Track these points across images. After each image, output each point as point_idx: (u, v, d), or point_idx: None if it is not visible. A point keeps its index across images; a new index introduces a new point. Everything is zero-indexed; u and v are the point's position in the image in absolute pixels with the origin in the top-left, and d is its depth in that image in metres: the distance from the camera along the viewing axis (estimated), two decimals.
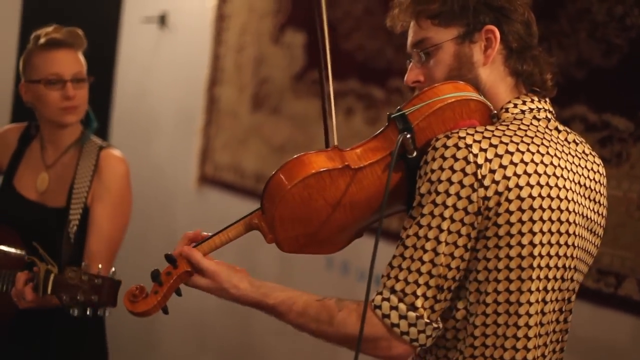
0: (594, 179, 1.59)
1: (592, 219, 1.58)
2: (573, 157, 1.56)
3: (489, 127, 1.49)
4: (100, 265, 2.11)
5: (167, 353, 4.21)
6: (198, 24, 4.03)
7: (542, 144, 1.51)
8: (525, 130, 1.52)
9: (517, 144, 1.47)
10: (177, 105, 4.21)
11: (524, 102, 1.58)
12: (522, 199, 1.44)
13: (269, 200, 1.55)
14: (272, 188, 1.54)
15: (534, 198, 1.45)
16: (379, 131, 1.55)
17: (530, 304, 1.48)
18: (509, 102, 1.58)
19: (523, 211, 1.45)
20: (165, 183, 4.25)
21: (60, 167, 2.59)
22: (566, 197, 1.49)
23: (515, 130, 1.50)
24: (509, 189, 1.44)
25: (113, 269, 2.08)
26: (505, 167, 1.44)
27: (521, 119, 1.55)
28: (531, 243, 1.46)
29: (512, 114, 1.56)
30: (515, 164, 1.45)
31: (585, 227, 1.56)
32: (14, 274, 2.27)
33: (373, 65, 3.08)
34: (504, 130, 1.49)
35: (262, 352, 3.67)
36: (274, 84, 3.48)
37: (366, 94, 3.10)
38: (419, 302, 1.45)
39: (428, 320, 1.46)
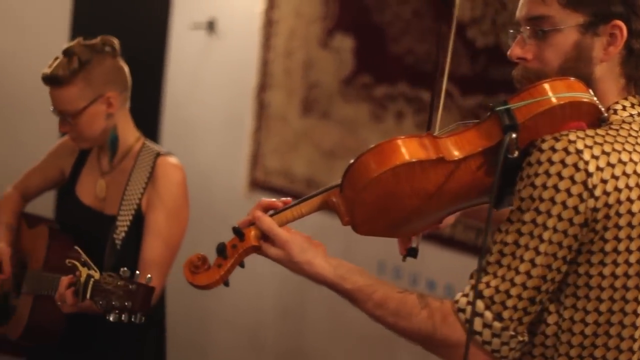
0: None
1: None
2: None
3: (599, 131, 1.39)
4: (149, 275, 2.09)
5: (220, 356, 4.22)
6: (246, 30, 4.04)
7: None
8: (636, 137, 1.41)
9: (630, 152, 1.38)
10: (226, 110, 4.22)
11: (633, 105, 1.47)
12: (633, 214, 1.35)
13: (352, 183, 1.47)
14: (357, 171, 1.46)
15: None
16: (477, 121, 1.45)
17: (636, 327, 1.39)
18: (617, 102, 1.47)
19: (633, 227, 1.35)
20: (214, 189, 4.26)
21: (117, 174, 2.59)
22: None
23: (626, 137, 1.40)
24: (619, 202, 1.34)
25: (149, 275, 2.06)
26: (617, 178, 1.35)
27: (630, 123, 1.44)
28: (639, 262, 1.37)
29: (621, 117, 1.46)
30: (628, 175, 1.36)
31: None
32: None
33: (423, 68, 3.06)
34: (615, 136, 1.39)
35: (316, 356, 3.66)
36: (323, 88, 3.48)
37: (416, 98, 3.08)
38: (506, 313, 1.36)
39: (514, 333, 1.37)
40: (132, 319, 2.01)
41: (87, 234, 2.57)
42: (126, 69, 2.57)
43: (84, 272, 2.13)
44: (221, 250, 1.55)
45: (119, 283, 2.03)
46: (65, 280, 2.20)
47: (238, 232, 1.56)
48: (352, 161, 1.46)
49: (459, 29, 2.93)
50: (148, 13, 4.77)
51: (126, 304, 2.00)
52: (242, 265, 1.58)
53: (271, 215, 1.57)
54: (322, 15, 3.51)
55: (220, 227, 4.12)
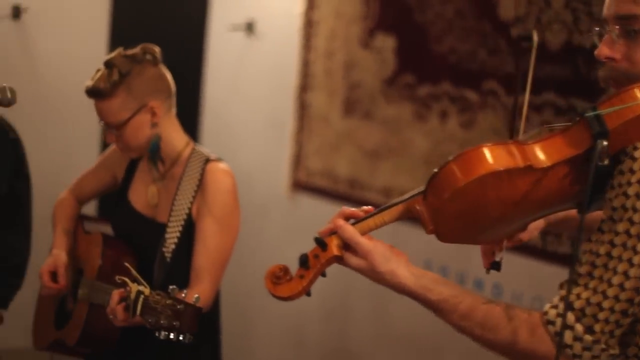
0: None
1: None
2: None
3: None
4: (196, 295, 2.06)
5: (265, 356, 4.23)
6: (285, 31, 4.05)
7: None
8: None
9: None
10: (267, 112, 4.23)
11: None
12: None
13: (437, 192, 1.44)
14: (443, 179, 1.42)
15: None
16: (564, 126, 1.41)
17: None
18: None
19: None
20: (256, 190, 4.27)
21: (168, 181, 2.59)
22: None
23: None
24: None
25: (196, 295, 2.05)
26: None
27: None
28: None
29: None
30: None
31: None
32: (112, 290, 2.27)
33: (466, 67, 3.04)
34: None
35: (360, 356, 3.66)
36: (365, 88, 3.47)
37: (460, 97, 3.07)
38: (598, 326, 1.33)
39: (605, 346, 1.34)
40: (181, 338, 2.01)
41: (140, 240, 2.58)
42: (168, 75, 2.56)
43: (133, 288, 2.12)
44: (304, 261, 1.53)
45: (167, 302, 2.02)
46: (116, 294, 2.20)
47: (320, 242, 1.53)
48: (436, 169, 1.44)
49: (503, 27, 2.91)
50: (186, 16, 4.79)
51: (174, 323, 2.00)
52: (323, 275, 1.56)
53: (353, 224, 1.53)
54: (362, 15, 3.50)
55: (262, 228, 4.16)
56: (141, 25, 4.95)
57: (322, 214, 3.69)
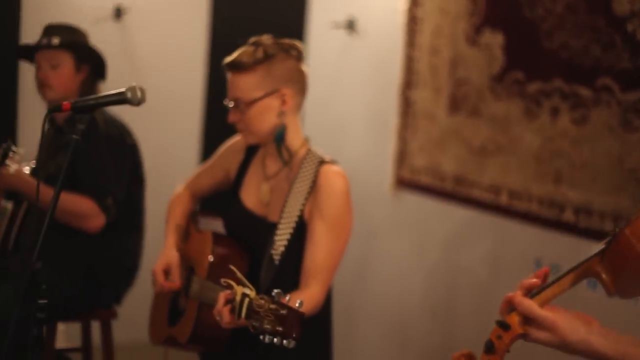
0: None
1: None
2: None
3: None
4: (300, 300, 2.02)
5: (367, 353, 4.25)
6: (388, 28, 4.04)
7: None
8: None
9: None
10: (368, 109, 4.24)
11: None
12: None
13: (620, 255, 1.45)
14: (626, 243, 1.44)
15: None
16: None
17: None
18: None
19: None
20: (358, 188, 4.27)
21: (280, 180, 2.60)
22: None
23: None
24: None
25: (300, 300, 2.01)
26: None
27: None
28: None
29: None
30: None
31: None
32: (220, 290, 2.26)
33: (579, 63, 3.00)
34: None
35: None
36: (472, 85, 3.45)
37: (572, 93, 3.03)
38: None
39: None
40: (284, 343, 1.98)
41: (251, 239, 2.60)
42: (307, 77, 2.60)
43: (239, 290, 2.11)
44: (489, 347, 1.52)
45: (270, 306, 2.00)
46: (222, 296, 2.19)
47: (503, 325, 1.52)
48: (617, 230, 1.45)
49: (618, 23, 2.86)
50: (286, 14, 4.82)
51: (278, 328, 1.97)
52: (507, 350, 1.54)
53: (531, 297, 1.51)
54: (469, 11, 3.48)
55: (367, 225, 4.17)
56: (241, 24, 5.00)
57: (427, 212, 3.72)
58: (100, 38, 3.70)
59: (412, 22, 3.83)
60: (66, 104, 2.14)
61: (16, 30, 4.57)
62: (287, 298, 2.01)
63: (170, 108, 4.91)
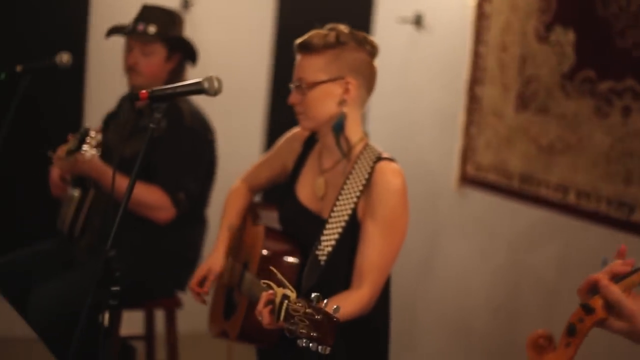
0: None
1: None
2: None
3: None
4: (336, 306, 1.96)
5: (425, 354, 4.23)
6: (456, 24, 4.02)
7: None
8: None
9: None
10: (435, 105, 4.22)
11: None
12: None
13: None
14: None
15: None
16: None
17: None
18: None
19: None
20: (424, 184, 4.27)
21: (336, 175, 2.55)
22: None
23: None
24: None
25: (336, 306, 1.96)
26: None
27: None
28: None
29: None
30: None
31: None
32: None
33: None
34: None
35: None
36: (541, 82, 3.41)
37: None
38: None
39: None
40: (320, 350, 1.93)
41: (304, 235, 2.55)
42: (376, 74, 2.56)
43: (279, 292, 2.07)
44: (572, 329, 1.49)
45: (307, 311, 1.96)
46: (264, 297, 2.16)
47: (587, 308, 1.49)
48: None
49: None
50: (352, 8, 4.82)
51: (312, 334, 1.93)
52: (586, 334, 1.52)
53: (616, 282, 1.49)
54: (539, 8, 3.44)
55: (431, 222, 4.16)
56: (306, 19, 4.99)
57: (492, 210, 3.69)
58: None
59: (481, 18, 3.80)
60: (143, 92, 2.16)
61: (85, 17, 4.65)
62: (325, 302, 1.95)
63: (234, 101, 4.94)
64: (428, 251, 4.18)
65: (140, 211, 3.28)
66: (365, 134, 2.57)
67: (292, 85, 2.49)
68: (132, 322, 4.44)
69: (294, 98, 2.49)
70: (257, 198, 3.02)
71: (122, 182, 3.15)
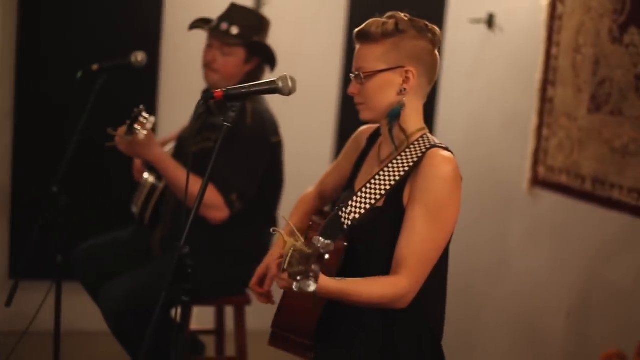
0: None
1: None
2: None
3: None
4: (327, 242, 1.86)
5: (489, 355, 4.21)
6: (528, 24, 3.99)
7: None
8: None
9: None
10: (505, 106, 4.19)
11: None
12: None
13: None
14: None
15: None
16: None
17: None
18: None
19: None
20: (493, 186, 4.25)
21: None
22: None
23: None
24: None
25: (327, 241, 1.85)
26: None
27: None
28: None
29: None
30: None
31: None
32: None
33: None
34: None
35: None
36: (616, 84, 3.37)
37: None
38: None
39: None
40: (303, 287, 1.83)
41: (360, 228, 2.44)
42: (438, 62, 2.46)
43: (289, 243, 1.99)
44: None
45: (303, 252, 1.88)
46: (277, 250, 2.12)
47: None
48: None
49: None
50: (424, 9, 4.79)
51: (299, 268, 1.84)
52: None
53: None
54: (613, 9, 3.40)
55: (501, 225, 4.13)
56: (379, 8, 4.99)
57: (565, 212, 3.65)
58: None
59: (553, 19, 3.77)
60: (218, 92, 2.19)
61: (159, 16, 4.73)
62: (320, 239, 1.87)
63: (306, 99, 4.97)
64: (499, 253, 4.16)
65: (191, 205, 3.28)
66: (425, 128, 2.49)
67: (351, 75, 2.45)
68: (202, 317, 4.51)
69: (353, 88, 2.45)
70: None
71: (182, 176, 3.20)
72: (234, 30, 3.46)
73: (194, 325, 3.74)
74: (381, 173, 2.37)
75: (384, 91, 2.39)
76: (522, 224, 3.99)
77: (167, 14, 4.76)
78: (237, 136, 3.29)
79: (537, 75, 3.83)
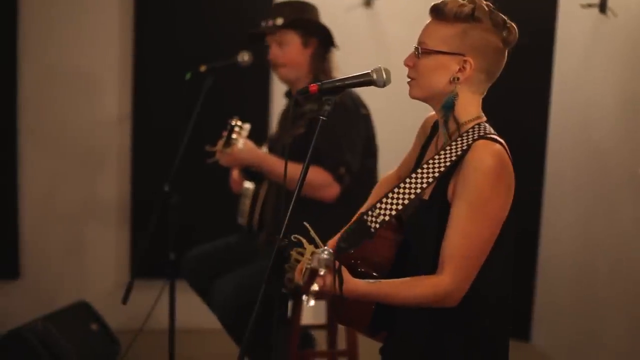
0: None
1: None
2: None
3: None
4: (325, 255, 1.85)
5: (609, 346, 4.10)
6: None
7: None
8: None
9: None
10: (620, 91, 4.08)
11: None
12: None
13: None
14: None
15: None
16: None
17: None
18: None
19: None
20: (610, 172, 4.14)
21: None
22: None
23: None
24: None
25: (325, 254, 1.85)
26: None
27: None
28: None
29: None
30: None
31: None
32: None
33: None
34: None
35: None
36: None
37: None
38: None
39: None
40: (304, 300, 1.85)
41: (410, 221, 2.43)
42: (502, 63, 2.35)
43: (308, 250, 2.00)
44: None
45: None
46: (294, 252, 2.13)
47: None
48: None
49: None
50: None
51: (301, 284, 1.86)
52: None
53: None
54: None
55: (616, 210, 4.02)
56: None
57: None
58: (351, 24, 3.79)
59: None
60: (313, 86, 2.21)
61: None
62: (323, 249, 1.88)
63: (399, 96, 4.94)
64: (613, 239, 4.05)
65: (307, 192, 3.32)
66: (481, 117, 2.37)
67: (414, 47, 2.36)
68: (316, 313, 4.55)
69: (409, 60, 2.36)
70: None
71: (282, 166, 3.26)
72: (279, 21, 3.55)
73: (307, 320, 3.77)
74: (430, 162, 2.30)
75: (436, 73, 2.30)
76: (638, 207, 3.87)
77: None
78: (330, 114, 3.32)
79: None
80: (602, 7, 4.16)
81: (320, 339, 4.13)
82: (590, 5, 4.21)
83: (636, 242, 3.87)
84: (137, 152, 4.85)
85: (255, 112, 4.80)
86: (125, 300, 3.35)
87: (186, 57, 4.55)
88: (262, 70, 4.29)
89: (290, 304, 2.08)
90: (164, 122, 4.78)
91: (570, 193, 4.53)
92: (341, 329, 3.89)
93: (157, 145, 4.80)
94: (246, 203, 3.73)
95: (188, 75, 3.51)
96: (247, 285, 3.38)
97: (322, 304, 4.12)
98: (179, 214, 3.38)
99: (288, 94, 3.83)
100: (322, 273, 1.86)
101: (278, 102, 4.86)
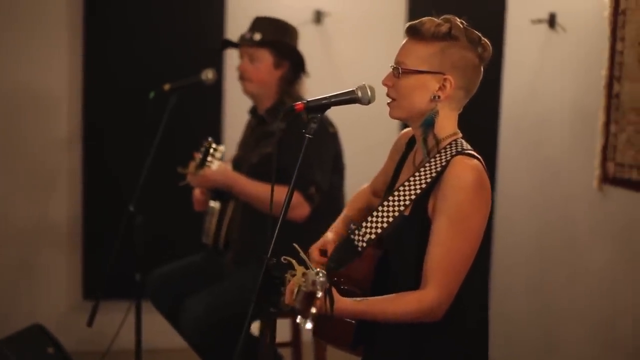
0: None
1: None
2: None
3: None
4: (319, 276, 1.87)
5: (567, 355, 4.17)
6: (590, 21, 3.96)
7: None
8: None
9: None
10: (571, 104, 4.16)
11: None
12: None
13: None
14: None
15: None
16: None
17: None
18: None
19: None
20: (562, 184, 4.22)
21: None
22: None
23: None
24: None
25: (320, 275, 1.86)
26: None
27: None
28: None
29: None
30: None
31: None
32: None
33: None
34: None
35: None
36: None
37: None
38: None
39: None
40: (300, 322, 1.88)
41: (394, 238, 2.44)
42: (479, 78, 2.41)
43: (299, 271, 2.03)
44: None
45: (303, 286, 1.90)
46: (289, 275, 2.13)
47: None
48: None
49: None
50: (485, 10, 4.79)
51: (295, 306, 1.89)
52: None
53: None
54: None
55: (570, 222, 4.10)
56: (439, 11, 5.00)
57: (635, 209, 3.60)
58: (301, 41, 3.81)
59: (617, 14, 3.73)
60: (299, 104, 2.24)
61: (221, 29, 4.80)
62: (318, 272, 1.89)
63: (369, 113, 4.98)
64: (568, 252, 4.13)
65: (277, 212, 3.32)
66: (457, 133, 2.42)
67: (390, 67, 2.38)
68: (279, 330, 4.54)
69: (388, 79, 2.38)
70: None
71: (254, 187, 3.26)
72: (257, 37, 3.56)
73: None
74: (410, 179, 2.33)
75: (417, 93, 2.33)
76: (591, 222, 3.95)
77: (229, 29, 4.82)
78: (298, 134, 3.34)
79: (603, 71, 3.79)
80: (552, 22, 4.26)
81: (287, 357, 4.13)
82: (539, 21, 4.30)
83: (591, 253, 3.95)
84: (88, 173, 4.80)
85: (208, 129, 4.79)
86: (90, 323, 3.32)
87: (139, 75, 4.52)
88: (215, 86, 4.30)
89: (267, 323, 2.07)
90: (116, 142, 4.74)
91: (522, 205, 4.60)
92: (307, 346, 3.89)
93: (108, 165, 4.77)
94: (212, 222, 3.71)
95: (152, 95, 3.50)
96: (218, 305, 3.36)
97: (286, 321, 4.12)
98: (143, 234, 3.36)
99: (253, 111, 3.83)
100: (319, 295, 1.86)
101: (231, 119, 4.86)
